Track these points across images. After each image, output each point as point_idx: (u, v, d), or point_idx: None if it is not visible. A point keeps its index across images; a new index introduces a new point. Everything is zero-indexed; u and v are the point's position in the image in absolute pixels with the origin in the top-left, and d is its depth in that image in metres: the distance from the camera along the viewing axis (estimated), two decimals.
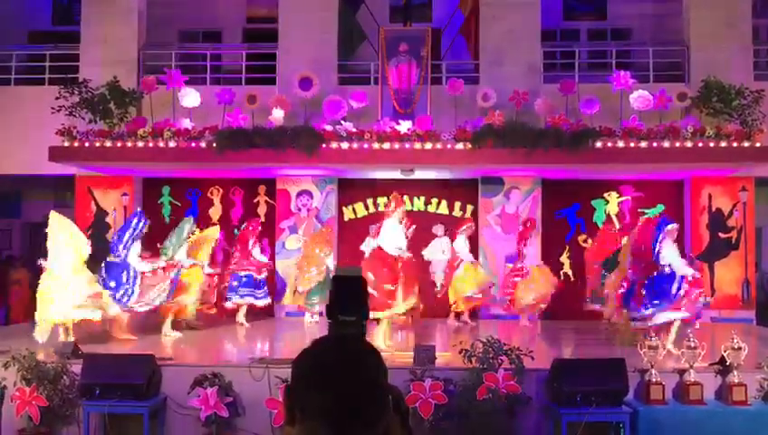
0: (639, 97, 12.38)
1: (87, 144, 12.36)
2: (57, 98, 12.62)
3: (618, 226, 13.35)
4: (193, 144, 12.24)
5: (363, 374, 1.63)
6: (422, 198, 13.82)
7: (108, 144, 12.34)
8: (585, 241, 13.43)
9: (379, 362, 1.69)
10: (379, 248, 9.37)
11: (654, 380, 7.07)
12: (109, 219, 13.63)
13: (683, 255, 9.90)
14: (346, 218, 13.84)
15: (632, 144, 11.88)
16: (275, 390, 7.08)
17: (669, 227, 9.51)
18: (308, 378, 1.62)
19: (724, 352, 7.20)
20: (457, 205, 13.78)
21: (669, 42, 14.39)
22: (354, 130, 12.15)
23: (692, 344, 7.19)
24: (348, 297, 1.85)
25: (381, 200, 13.60)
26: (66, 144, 12.37)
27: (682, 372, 7.21)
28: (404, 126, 12.12)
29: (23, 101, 13.82)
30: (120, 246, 9.99)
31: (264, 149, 12.06)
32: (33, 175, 14.07)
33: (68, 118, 12.60)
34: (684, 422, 6.91)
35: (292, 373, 1.66)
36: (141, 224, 10.09)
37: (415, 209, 13.64)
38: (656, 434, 6.87)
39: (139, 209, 11.10)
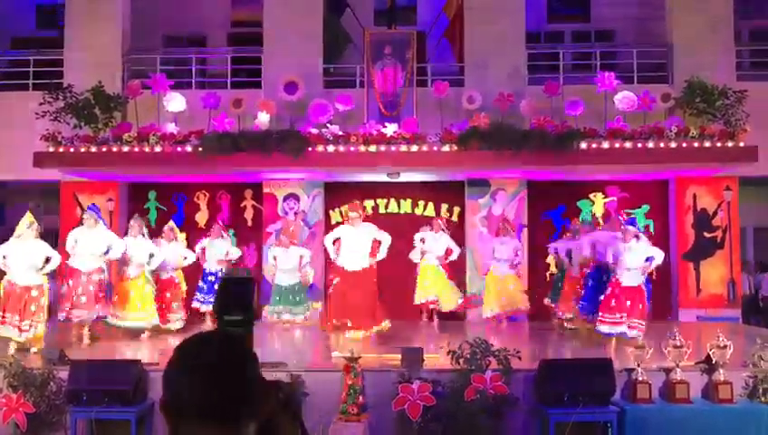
0: (624, 98, 12.45)
1: (72, 149, 12.30)
2: (41, 103, 12.56)
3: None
4: (179, 149, 12.21)
5: (239, 372, 1.62)
6: (408, 201, 13.85)
7: (93, 149, 12.29)
8: None
9: (256, 360, 1.70)
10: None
11: (640, 379, 7.11)
12: None
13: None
14: (333, 222, 13.82)
15: (617, 145, 11.94)
16: None
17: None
18: (183, 376, 1.60)
19: (710, 350, 7.25)
20: (444, 207, 13.81)
21: (653, 43, 14.49)
22: (340, 133, 12.15)
23: (678, 343, 7.24)
24: (234, 298, 1.87)
25: (368, 203, 13.62)
26: (51, 150, 12.30)
27: (668, 370, 7.25)
28: (390, 129, 12.12)
29: (6, 107, 13.73)
30: None
31: (250, 153, 12.04)
32: (17, 181, 14.00)
33: (52, 123, 12.53)
34: (670, 421, 6.95)
35: (165, 375, 1.63)
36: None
37: (401, 212, 13.68)
38: (643, 433, 6.90)
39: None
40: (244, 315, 1.84)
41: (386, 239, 9.89)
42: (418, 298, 12.07)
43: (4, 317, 9.14)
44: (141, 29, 14.82)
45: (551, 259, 13.39)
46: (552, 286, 12.02)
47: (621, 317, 9.28)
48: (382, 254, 9.94)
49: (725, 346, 7.18)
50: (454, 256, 12.23)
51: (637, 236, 9.55)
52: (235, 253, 12.38)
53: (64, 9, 14.27)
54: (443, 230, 12.22)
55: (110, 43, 13.95)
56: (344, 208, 10.60)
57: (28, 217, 9.59)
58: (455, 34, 14.27)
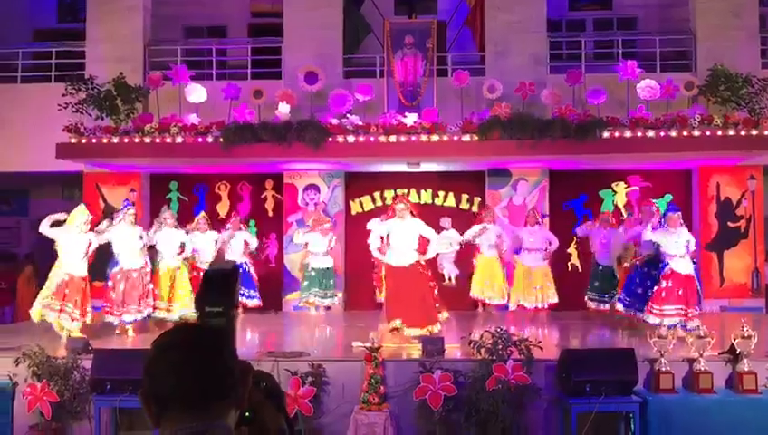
0: (646, 86, 12.34)
1: (94, 141, 12.40)
2: (64, 95, 12.65)
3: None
4: (200, 139, 12.27)
5: (210, 360, 1.66)
6: (429, 191, 13.81)
7: (115, 140, 12.38)
8: None
9: (233, 350, 1.75)
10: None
11: (663, 369, 7.06)
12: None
13: None
14: (353, 212, 13.83)
15: (639, 134, 11.84)
16: (285, 383, 7.09)
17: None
18: (157, 364, 1.64)
19: (734, 340, 7.18)
20: (464, 197, 13.76)
21: (676, 31, 14.34)
22: (360, 123, 12.14)
23: (701, 333, 7.17)
24: (216, 289, 1.89)
25: (388, 194, 13.60)
26: (73, 141, 12.41)
27: (692, 361, 7.20)
28: (410, 119, 12.10)
29: (29, 99, 13.85)
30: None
31: (270, 143, 12.08)
32: (40, 172, 14.11)
33: (75, 115, 12.62)
34: (694, 411, 6.90)
35: (146, 367, 1.65)
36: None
37: (422, 202, 13.64)
38: (666, 423, 6.86)
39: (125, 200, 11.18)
40: (224, 307, 1.86)
41: (433, 237, 9.62)
42: (474, 292, 12.07)
43: (63, 306, 9.26)
44: (162, 21, 14.87)
45: (572, 249, 13.35)
46: (591, 281, 11.74)
47: (679, 309, 9.07)
48: (431, 253, 9.76)
49: (750, 336, 7.11)
50: (505, 246, 12.12)
51: (681, 223, 9.46)
52: (254, 243, 12.45)
53: (86, 1, 14.33)
54: (493, 221, 12.14)
55: (131, 35, 14.01)
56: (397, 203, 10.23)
57: (84, 211, 9.66)
58: (475, 23, 14.19)
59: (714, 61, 12.69)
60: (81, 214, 9.60)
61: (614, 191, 13.71)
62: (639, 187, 13.70)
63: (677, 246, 9.27)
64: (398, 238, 9.47)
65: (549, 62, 13.77)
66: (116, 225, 10.07)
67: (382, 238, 9.73)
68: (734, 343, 7.17)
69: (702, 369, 7.08)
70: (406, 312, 9.31)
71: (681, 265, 9.25)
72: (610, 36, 14.99)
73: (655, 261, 9.66)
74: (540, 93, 12.58)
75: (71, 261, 9.43)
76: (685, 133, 11.81)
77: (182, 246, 10.67)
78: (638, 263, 10.13)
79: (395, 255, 9.50)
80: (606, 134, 11.85)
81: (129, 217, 10.03)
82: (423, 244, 9.68)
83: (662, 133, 11.81)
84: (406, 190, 13.68)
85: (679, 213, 9.55)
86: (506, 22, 13.47)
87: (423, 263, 9.67)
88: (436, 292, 9.74)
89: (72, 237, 9.45)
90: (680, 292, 9.14)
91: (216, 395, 1.63)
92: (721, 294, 13.10)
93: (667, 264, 9.28)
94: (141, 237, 10.06)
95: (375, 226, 9.78)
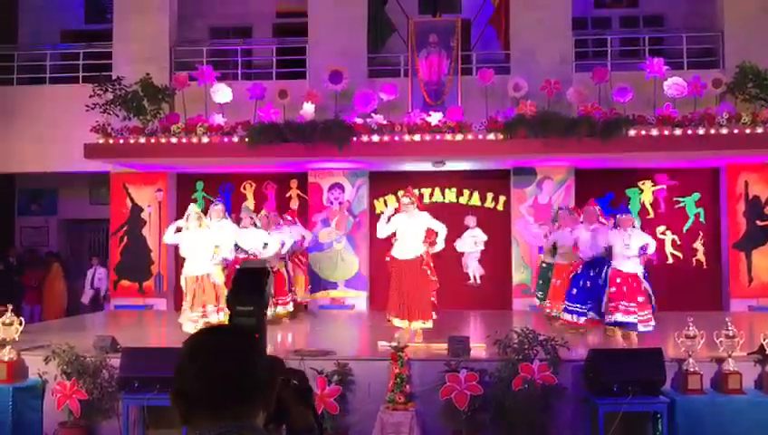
0: (673, 84, 12.23)
1: (121, 141, 12.52)
2: (91, 96, 12.75)
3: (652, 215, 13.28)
4: (225, 139, 12.34)
5: (238, 363, 1.67)
6: (453, 190, 13.78)
7: (142, 141, 12.49)
8: None
9: (262, 351, 1.78)
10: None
11: (691, 369, 7.00)
12: (144, 215, 13.78)
13: None
14: (378, 211, 13.82)
15: (666, 132, 11.74)
16: (311, 381, 7.11)
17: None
18: (187, 366, 1.68)
19: (764, 340, 7.11)
20: (489, 196, 13.72)
21: (703, 27, 14.18)
22: (385, 122, 12.15)
23: (730, 333, 7.10)
24: (246, 289, 1.91)
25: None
26: (101, 141, 12.53)
27: (720, 361, 7.13)
28: (435, 117, 12.08)
29: (57, 100, 13.99)
30: None
31: (295, 143, 12.11)
32: (68, 172, 14.26)
33: (102, 115, 12.75)
34: (722, 412, 6.84)
35: (176, 367, 1.69)
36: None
37: (446, 201, 13.62)
38: (694, 424, 6.80)
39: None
40: (254, 306, 1.88)
41: (442, 229, 9.34)
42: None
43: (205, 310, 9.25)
44: (187, 21, 14.99)
45: None
46: None
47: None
48: (440, 245, 9.43)
49: None
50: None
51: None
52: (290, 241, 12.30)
53: (113, 2, 14.47)
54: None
55: (157, 36, 14.11)
56: (400, 193, 9.97)
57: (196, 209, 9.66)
58: (500, 21, 14.11)
59: (742, 57, 12.53)
60: (196, 211, 9.57)
61: (641, 190, 13.61)
62: (666, 185, 13.59)
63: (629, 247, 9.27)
64: (403, 233, 9.25)
65: (574, 60, 13.68)
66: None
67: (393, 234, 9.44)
68: (764, 343, 7.10)
69: (731, 369, 7.02)
70: (400, 306, 9.13)
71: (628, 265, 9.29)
72: (637, 34, 14.88)
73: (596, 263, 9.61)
74: (565, 91, 12.51)
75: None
76: (712, 131, 11.69)
77: (265, 245, 10.37)
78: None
79: (398, 248, 9.28)
80: (632, 132, 11.76)
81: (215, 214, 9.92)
82: (428, 236, 9.36)
83: (689, 131, 11.70)
84: (430, 189, 13.70)
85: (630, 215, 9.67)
86: (531, 20, 13.40)
87: (424, 257, 9.28)
88: (434, 294, 9.36)
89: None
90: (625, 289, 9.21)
91: (244, 397, 1.65)
92: (749, 294, 12.96)
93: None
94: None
95: (381, 226, 9.50)
